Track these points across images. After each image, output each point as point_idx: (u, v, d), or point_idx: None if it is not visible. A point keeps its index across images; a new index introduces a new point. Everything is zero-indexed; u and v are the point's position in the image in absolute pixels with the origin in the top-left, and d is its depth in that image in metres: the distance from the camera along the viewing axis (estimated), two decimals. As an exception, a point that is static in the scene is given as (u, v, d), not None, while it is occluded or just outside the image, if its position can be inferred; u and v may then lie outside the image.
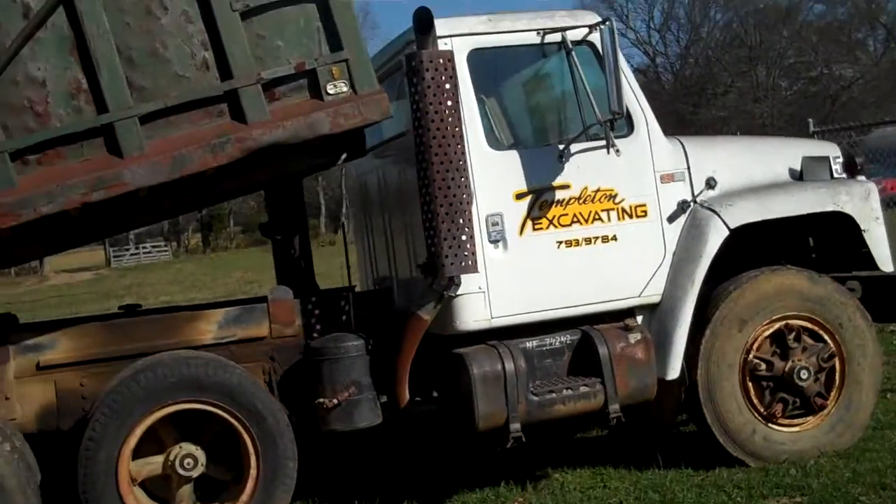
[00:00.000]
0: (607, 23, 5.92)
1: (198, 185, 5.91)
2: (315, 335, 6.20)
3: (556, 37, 6.20)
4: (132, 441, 5.48)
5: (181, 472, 5.60)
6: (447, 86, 5.68)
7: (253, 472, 5.65)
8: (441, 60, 5.68)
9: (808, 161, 6.72)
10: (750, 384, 6.35)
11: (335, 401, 5.92)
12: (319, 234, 49.74)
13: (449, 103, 5.68)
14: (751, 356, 6.33)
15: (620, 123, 6.15)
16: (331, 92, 5.65)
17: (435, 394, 6.39)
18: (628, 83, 6.20)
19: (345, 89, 5.66)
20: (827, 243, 6.90)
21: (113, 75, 5.31)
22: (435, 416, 6.41)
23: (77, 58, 5.30)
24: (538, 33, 6.21)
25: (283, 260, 6.94)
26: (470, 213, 5.72)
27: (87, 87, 5.32)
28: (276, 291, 6.30)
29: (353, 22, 5.71)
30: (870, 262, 6.60)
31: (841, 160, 6.87)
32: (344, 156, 6.42)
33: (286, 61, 5.59)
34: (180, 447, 5.64)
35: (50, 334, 5.88)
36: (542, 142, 6.31)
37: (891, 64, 47.86)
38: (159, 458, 5.65)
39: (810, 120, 11.01)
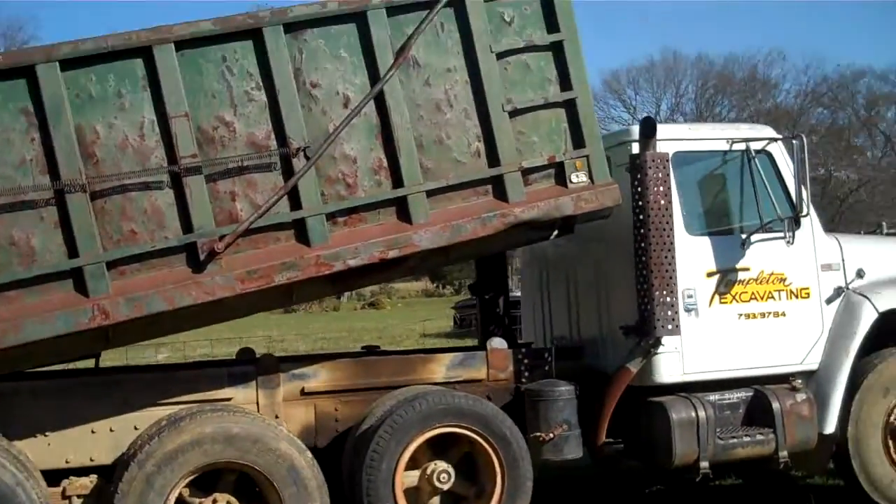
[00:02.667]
0: (799, 138, 7.32)
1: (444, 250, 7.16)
2: (523, 381, 7.44)
3: (741, 145, 7.60)
4: (407, 455, 6.64)
5: (437, 484, 6.74)
6: (663, 180, 7.04)
7: (498, 488, 6.79)
8: (660, 160, 7.06)
9: (940, 259, 8.09)
10: (891, 441, 7.61)
11: (550, 435, 7.14)
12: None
13: (664, 195, 7.04)
14: (892, 418, 7.61)
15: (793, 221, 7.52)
16: (574, 181, 6.93)
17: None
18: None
19: (585, 179, 6.94)
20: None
21: (409, 157, 6.56)
22: (622, 454, 7.62)
23: (381, 141, 6.54)
24: (727, 142, 7.61)
25: (488, 315, 8.21)
26: (676, 286, 7.05)
27: (386, 166, 6.55)
28: (493, 342, 7.54)
29: (594, 124, 7.02)
30: None
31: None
32: (556, 232, 7.62)
33: (540, 154, 6.86)
34: (435, 464, 6.78)
35: (312, 366, 7.09)
36: (727, 231, 7.65)
37: (891, 168, 50.06)
38: (416, 473, 6.81)
39: (884, 222, 12.35)
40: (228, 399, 6.76)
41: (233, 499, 6.33)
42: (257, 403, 6.81)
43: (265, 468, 6.25)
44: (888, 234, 9.89)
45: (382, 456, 6.57)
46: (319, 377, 7.02)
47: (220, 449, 6.19)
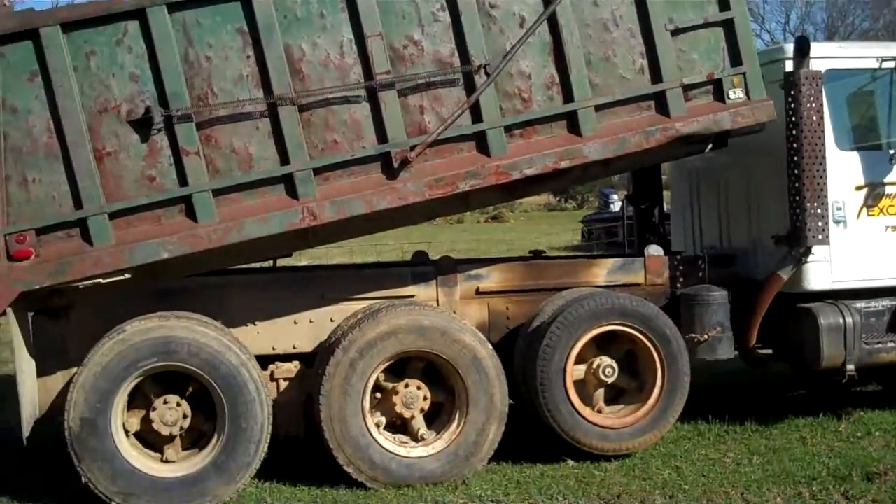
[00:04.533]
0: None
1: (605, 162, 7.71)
2: (678, 286, 7.98)
3: (891, 63, 7.93)
4: (576, 350, 7.24)
5: (602, 377, 7.34)
6: (816, 97, 7.44)
7: (659, 381, 7.38)
8: (813, 78, 7.47)
9: None
10: None
11: (705, 336, 7.70)
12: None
13: (817, 111, 7.45)
14: None
15: (939, 135, 7.88)
16: (731, 97, 7.36)
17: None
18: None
19: (742, 96, 7.36)
20: None
21: (579, 73, 7.07)
22: (771, 357, 8.15)
23: (553, 59, 7.05)
24: (878, 59, 7.95)
25: (644, 224, 8.76)
26: (827, 198, 7.49)
27: (558, 82, 7.06)
28: (650, 249, 8.08)
29: (751, 43, 7.43)
30: None
31: None
32: (710, 146, 8.03)
33: (699, 71, 7.28)
34: (601, 359, 7.38)
35: (485, 268, 7.74)
36: (875, 146, 8.04)
37: None
38: (582, 367, 7.41)
39: None
40: (411, 296, 7.44)
41: (422, 383, 7.02)
42: (437, 301, 7.48)
43: (451, 357, 6.93)
44: None
45: (555, 349, 7.19)
46: (492, 278, 7.65)
47: (413, 339, 6.88)
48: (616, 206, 32.72)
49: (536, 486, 6.78)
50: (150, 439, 6.72)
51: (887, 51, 8.02)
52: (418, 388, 7.02)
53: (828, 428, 7.96)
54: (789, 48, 7.68)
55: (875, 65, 7.94)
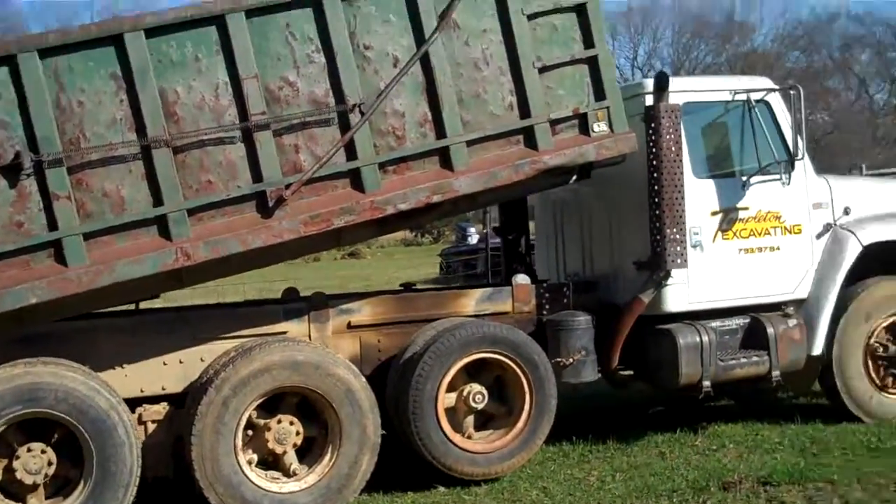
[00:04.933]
0: (796, 89, 8.18)
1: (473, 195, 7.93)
2: (545, 312, 8.32)
3: (743, 95, 8.41)
4: (448, 378, 7.52)
5: (472, 404, 7.63)
6: (675, 129, 7.86)
7: (528, 406, 7.72)
8: (672, 111, 7.88)
9: (915, 199, 9.06)
10: (870, 362, 8.64)
11: (570, 360, 8.08)
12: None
13: (676, 142, 7.87)
14: (872, 340, 8.62)
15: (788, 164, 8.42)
16: (596, 130, 7.70)
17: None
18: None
19: (606, 129, 7.72)
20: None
21: (451, 111, 7.30)
22: (632, 377, 8.60)
23: (426, 97, 7.27)
24: (730, 92, 8.42)
25: (511, 254, 9.08)
26: (685, 224, 7.93)
27: (431, 119, 7.29)
28: (517, 278, 8.40)
29: (614, 79, 7.80)
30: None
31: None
32: (575, 177, 8.31)
33: (566, 106, 7.60)
34: (471, 387, 7.66)
35: (357, 302, 7.93)
36: (729, 174, 8.51)
37: (865, 110, 51.25)
38: (453, 395, 7.67)
39: (863, 164, 13.36)
40: (284, 332, 7.60)
41: (295, 419, 7.19)
42: (309, 336, 7.65)
43: (325, 391, 7.13)
44: (867, 175, 10.84)
45: (427, 378, 7.45)
46: (364, 312, 7.86)
47: (287, 374, 7.05)
48: (473, 239, 33.48)
49: (408, 514, 7.05)
50: (12, 490, 6.64)
51: (739, 83, 8.52)
52: (291, 423, 7.18)
53: (685, 442, 8.46)
54: (649, 83, 8.08)
55: (728, 97, 8.41)
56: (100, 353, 7.13)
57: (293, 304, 7.77)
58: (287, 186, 6.91)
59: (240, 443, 7.00)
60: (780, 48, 56.60)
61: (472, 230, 34.52)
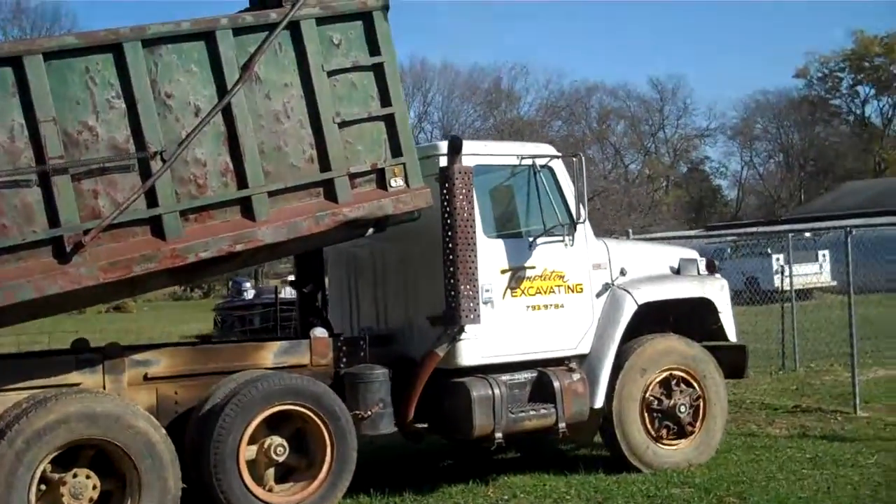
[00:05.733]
0: (578, 157, 8.78)
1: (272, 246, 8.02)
2: (342, 365, 8.41)
3: (529, 161, 8.95)
4: (250, 431, 7.46)
5: (273, 456, 7.59)
6: (468, 190, 8.25)
7: (329, 457, 7.74)
8: (465, 172, 8.27)
9: (684, 261, 9.83)
10: (646, 415, 9.19)
11: (368, 413, 8.17)
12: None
13: (469, 202, 8.25)
14: (647, 394, 9.19)
15: (570, 226, 8.97)
16: (393, 185, 7.99)
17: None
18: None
19: (402, 184, 8.01)
20: (691, 319, 9.91)
21: (253, 162, 7.40)
22: (427, 430, 8.75)
23: (228, 147, 7.36)
24: (518, 157, 8.94)
25: (307, 307, 9.12)
26: (477, 281, 8.27)
27: (232, 169, 7.37)
28: (315, 331, 8.47)
29: (410, 136, 8.11)
30: (720, 334, 9.75)
31: (703, 262, 10.01)
32: (371, 230, 8.49)
33: (364, 161, 7.86)
34: (272, 439, 7.63)
35: (154, 353, 7.77)
36: (517, 234, 8.98)
37: (621, 179, 55.04)
38: (254, 447, 7.60)
39: (629, 229, 14.35)
40: (78, 384, 7.32)
41: (91, 472, 6.90)
42: (104, 387, 7.41)
43: (124, 443, 6.92)
44: (635, 239, 11.66)
45: (229, 431, 7.36)
46: (161, 364, 7.70)
47: (85, 426, 6.80)
48: (249, 294, 33.14)
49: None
50: None
51: (525, 150, 9.05)
52: (88, 476, 6.93)
53: (477, 493, 8.70)
54: (443, 145, 8.47)
55: (516, 161, 8.91)
56: None
57: (87, 355, 7.53)
58: (86, 232, 6.75)
59: (34, 498, 6.69)
60: (545, 117, 60.06)
61: (248, 285, 34.04)
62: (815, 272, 29.77)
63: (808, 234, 26.99)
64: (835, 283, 30.06)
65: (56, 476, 6.84)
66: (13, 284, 6.51)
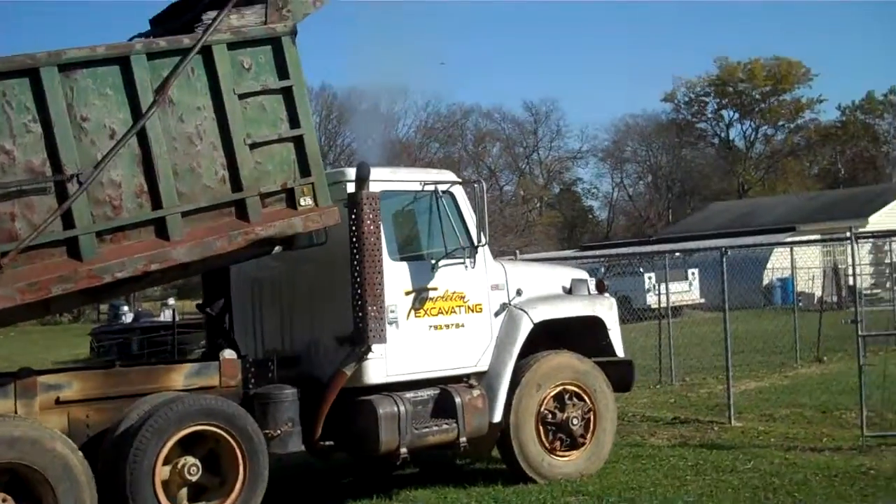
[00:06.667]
0: (479, 183, 9.20)
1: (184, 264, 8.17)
2: (251, 386, 8.60)
3: (431, 186, 9.33)
4: (165, 452, 7.60)
5: (188, 476, 7.75)
6: (375, 215, 8.57)
7: (241, 476, 7.93)
8: (373, 198, 8.58)
9: (576, 281, 10.37)
10: (541, 427, 9.67)
11: (277, 432, 8.39)
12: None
13: (376, 226, 8.57)
14: (542, 408, 9.67)
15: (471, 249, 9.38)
16: (302, 204, 8.24)
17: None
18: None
19: (311, 202, 8.26)
20: (583, 336, 10.41)
21: (167, 183, 7.60)
22: (334, 448, 9.00)
23: (142, 169, 7.54)
24: (421, 183, 9.31)
25: (214, 329, 9.26)
26: (384, 302, 8.58)
27: (147, 190, 7.56)
28: (225, 353, 8.63)
29: (318, 156, 8.40)
30: (609, 350, 10.29)
31: (593, 282, 10.56)
32: (278, 248, 8.61)
33: (274, 181, 8.12)
34: (185, 459, 7.78)
35: (66, 377, 7.85)
36: (420, 256, 9.35)
37: (497, 200, 56.14)
38: (168, 468, 7.73)
39: (517, 250, 14.87)
40: None
41: (7, 496, 6.96)
42: (16, 411, 7.44)
43: (42, 467, 7.02)
44: (522, 260, 12.17)
45: (144, 452, 7.51)
46: (73, 387, 7.79)
47: (3, 451, 6.89)
48: (127, 318, 32.55)
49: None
50: None
51: (428, 176, 9.45)
52: (3, 500, 6.99)
53: (383, 507, 8.98)
54: (351, 172, 8.82)
55: (419, 187, 9.28)
56: None
57: None
58: (3, 254, 6.83)
59: (-50, 522, 6.66)
60: (423, 139, 60.71)
61: (125, 308, 33.43)
62: (685, 290, 31.02)
63: (677, 254, 28.10)
64: (703, 300, 31.42)
65: (-30, 503, 6.88)
66: (-70, 305, 6.54)
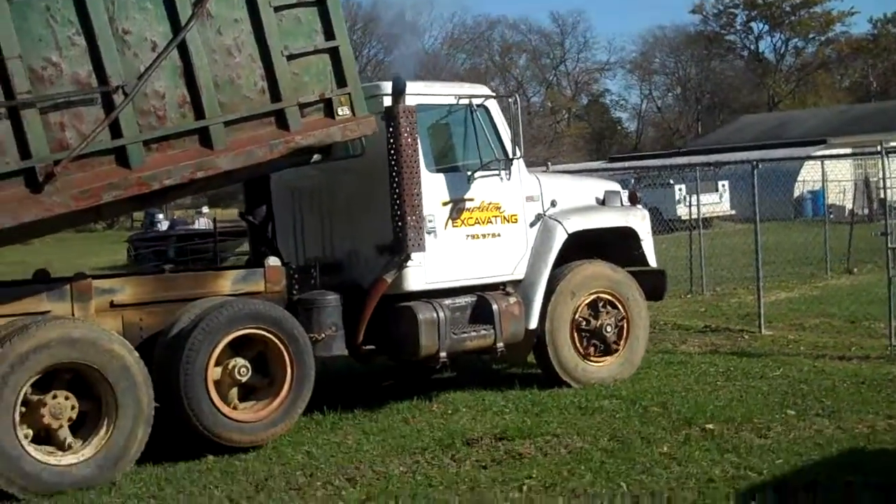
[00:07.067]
0: (514, 96, 9.31)
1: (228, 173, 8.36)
2: (294, 292, 8.86)
3: (466, 100, 9.44)
4: (216, 353, 7.91)
5: (238, 377, 8.06)
6: (412, 128, 8.72)
7: (289, 377, 8.24)
8: (409, 112, 8.71)
9: (609, 193, 10.52)
10: (576, 334, 9.93)
11: (322, 335, 8.67)
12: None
13: (413, 139, 8.71)
14: (577, 316, 9.92)
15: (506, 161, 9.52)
16: (340, 114, 8.42)
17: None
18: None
19: (348, 112, 8.45)
20: (616, 246, 10.60)
21: (209, 93, 7.78)
22: (375, 352, 9.29)
23: (184, 80, 7.72)
24: (455, 97, 9.42)
25: (257, 237, 9.48)
26: (422, 212, 8.77)
27: (189, 101, 7.74)
28: (269, 260, 8.87)
29: (353, 67, 8.57)
30: (642, 260, 10.47)
31: (626, 194, 10.70)
32: (317, 156, 8.90)
33: (312, 91, 8.30)
34: (235, 360, 8.09)
35: (119, 282, 8.15)
36: (456, 168, 9.51)
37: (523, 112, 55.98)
38: (219, 368, 8.03)
39: (548, 161, 14.98)
40: (47, 311, 7.65)
41: (70, 394, 7.29)
42: (73, 314, 7.74)
43: (101, 366, 7.33)
44: (555, 171, 12.36)
45: (197, 353, 7.81)
46: (126, 291, 8.08)
47: (65, 351, 7.20)
48: (163, 226, 32.92)
49: (186, 480, 7.40)
50: None
51: (462, 90, 9.61)
52: (66, 398, 7.30)
53: (424, 409, 9.37)
54: (387, 86, 8.98)
55: (453, 101, 9.42)
56: None
57: (57, 284, 7.85)
58: (56, 163, 7.03)
59: (18, 418, 7.05)
60: (449, 50, 60.32)
61: (161, 216, 33.88)
62: (716, 202, 31.07)
63: (709, 167, 28.09)
64: (734, 212, 31.46)
65: (36, 398, 7.22)
66: (-9, 213, 6.81)
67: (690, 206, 19.82)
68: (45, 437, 7.28)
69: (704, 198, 23.01)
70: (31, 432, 7.20)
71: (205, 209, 38.58)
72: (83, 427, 7.42)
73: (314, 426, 8.83)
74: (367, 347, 9.18)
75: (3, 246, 7.82)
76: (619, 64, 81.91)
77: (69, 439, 7.29)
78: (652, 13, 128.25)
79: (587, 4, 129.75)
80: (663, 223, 21.00)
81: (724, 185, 32.89)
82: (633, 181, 30.40)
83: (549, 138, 55.21)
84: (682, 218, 23.10)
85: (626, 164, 31.14)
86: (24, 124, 6.95)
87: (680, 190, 30.34)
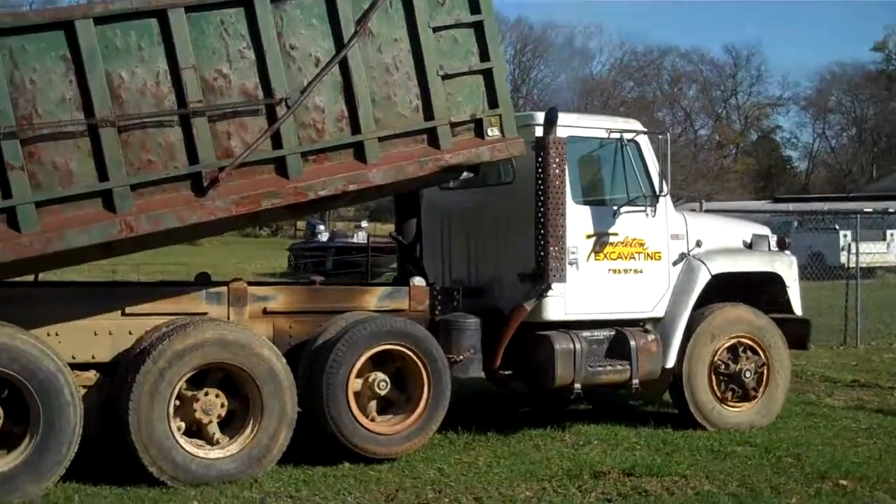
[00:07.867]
0: (664, 133, 9.42)
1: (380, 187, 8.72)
2: (437, 313, 9.14)
3: (617, 134, 9.60)
4: (358, 365, 8.24)
5: (377, 390, 8.37)
6: (561, 159, 8.90)
7: (426, 394, 8.50)
8: (559, 143, 8.92)
9: (756, 237, 10.50)
10: (713, 377, 9.91)
11: (460, 357, 8.93)
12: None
13: (561, 170, 8.90)
14: (716, 358, 9.90)
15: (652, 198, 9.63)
16: (490, 134, 8.66)
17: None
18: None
19: (498, 133, 8.69)
20: (760, 292, 10.55)
21: (366, 109, 8.13)
22: (511, 377, 9.52)
23: (343, 96, 8.09)
24: (606, 131, 9.60)
25: (405, 256, 9.84)
26: (566, 244, 8.96)
27: (347, 115, 8.10)
28: (415, 280, 9.19)
29: (505, 89, 8.82)
30: (786, 307, 10.39)
31: (774, 238, 10.64)
32: (465, 174, 9.04)
33: (464, 111, 8.57)
34: (376, 374, 8.40)
35: (273, 290, 8.63)
36: (602, 202, 9.68)
37: (690, 144, 54.90)
38: (360, 381, 8.36)
39: (702, 199, 14.95)
40: (204, 313, 8.15)
41: (220, 392, 7.79)
42: (228, 318, 8.22)
43: (250, 368, 7.76)
44: (706, 211, 12.28)
45: (340, 364, 8.16)
46: (279, 300, 8.52)
47: (218, 351, 7.67)
48: (323, 237, 33.94)
49: (322, 483, 7.71)
50: None
51: (614, 124, 9.79)
52: (217, 396, 7.77)
53: (555, 438, 9.49)
54: (540, 116, 9.17)
55: (604, 135, 9.58)
56: (36, 319, 7.53)
57: (215, 288, 8.34)
58: (220, 169, 7.54)
59: (172, 411, 7.54)
60: (617, 77, 59.71)
61: (322, 227, 34.86)
62: (882, 251, 30.01)
63: (871, 212, 27.15)
64: (901, 262, 30.34)
65: (190, 393, 7.71)
66: (159, 214, 7.35)
67: (850, 253, 19.29)
68: (195, 430, 7.75)
69: (870, 246, 22.36)
70: (183, 425, 7.68)
71: (364, 223, 39.51)
72: (230, 425, 7.86)
73: (447, 444, 9.06)
74: (504, 372, 9.39)
75: (171, 244, 8.41)
76: (793, 100, 79.72)
77: (217, 435, 7.74)
78: (830, 49, 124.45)
79: (764, 36, 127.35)
80: (826, 270, 20.48)
81: (892, 234, 31.75)
82: (795, 223, 29.66)
83: (714, 173, 54.10)
84: (846, 265, 22.42)
85: (790, 206, 30.40)
86: (193, 131, 7.46)
87: (845, 236, 29.46)
